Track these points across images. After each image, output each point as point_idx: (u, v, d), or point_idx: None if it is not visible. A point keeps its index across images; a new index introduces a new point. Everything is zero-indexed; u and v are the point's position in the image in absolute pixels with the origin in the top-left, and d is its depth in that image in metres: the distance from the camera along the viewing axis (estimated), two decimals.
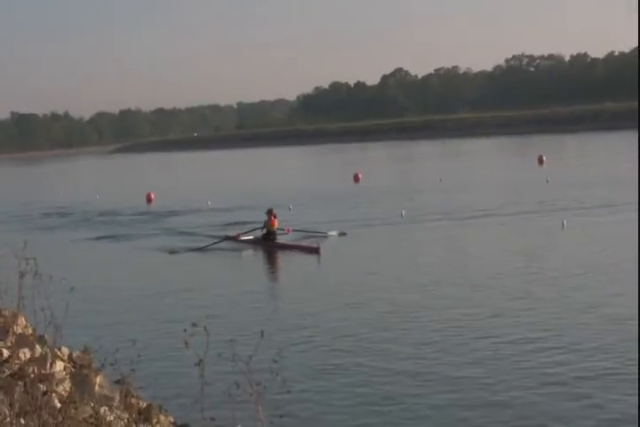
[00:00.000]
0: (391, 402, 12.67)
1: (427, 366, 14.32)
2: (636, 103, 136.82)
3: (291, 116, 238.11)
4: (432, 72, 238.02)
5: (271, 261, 29.52)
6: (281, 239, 31.31)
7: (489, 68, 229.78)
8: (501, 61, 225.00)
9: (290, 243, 30.55)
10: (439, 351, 15.11)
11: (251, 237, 31.73)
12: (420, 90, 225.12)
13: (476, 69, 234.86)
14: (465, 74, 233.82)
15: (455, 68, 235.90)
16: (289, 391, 7.16)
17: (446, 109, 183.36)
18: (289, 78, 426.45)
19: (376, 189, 50.57)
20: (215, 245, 30.87)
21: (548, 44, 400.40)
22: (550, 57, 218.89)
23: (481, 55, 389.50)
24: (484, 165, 71.40)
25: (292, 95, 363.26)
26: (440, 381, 13.47)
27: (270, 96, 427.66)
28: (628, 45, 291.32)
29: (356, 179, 59.82)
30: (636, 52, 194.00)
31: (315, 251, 27.81)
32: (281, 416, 7.07)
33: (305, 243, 29.96)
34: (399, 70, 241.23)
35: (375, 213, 37.42)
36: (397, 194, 46.51)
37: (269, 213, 31.36)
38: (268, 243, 30.97)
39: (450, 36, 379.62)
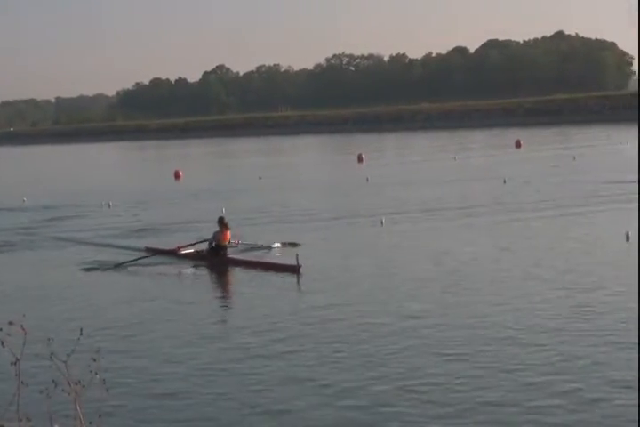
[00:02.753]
0: (214, 399, 12.71)
1: (254, 363, 14.43)
2: (449, 104, 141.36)
3: (110, 112, 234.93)
4: (254, 70, 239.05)
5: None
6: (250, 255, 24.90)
7: (310, 66, 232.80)
8: (322, 60, 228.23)
9: (256, 260, 23.75)
10: (272, 352, 15.16)
11: (191, 251, 25.12)
12: (242, 87, 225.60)
13: (297, 68, 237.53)
14: (286, 72, 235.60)
15: (277, 66, 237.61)
16: (108, 390, 7.12)
17: (268, 107, 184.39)
18: (109, 74, 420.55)
19: (197, 187, 50.41)
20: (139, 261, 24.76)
21: (369, 45, 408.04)
22: (370, 57, 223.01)
23: (304, 54, 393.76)
24: (304, 163, 72.11)
25: (111, 91, 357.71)
26: (263, 379, 13.60)
27: (89, 91, 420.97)
28: (444, 47, 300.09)
29: (177, 176, 59.45)
30: (453, 54, 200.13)
31: (293, 269, 21.57)
32: (100, 416, 7.05)
33: (278, 260, 23.42)
34: (220, 67, 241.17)
35: (195, 212, 37.21)
36: (218, 192, 46.52)
37: (220, 222, 24.63)
38: (220, 259, 24.23)
39: (267, 34, 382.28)
